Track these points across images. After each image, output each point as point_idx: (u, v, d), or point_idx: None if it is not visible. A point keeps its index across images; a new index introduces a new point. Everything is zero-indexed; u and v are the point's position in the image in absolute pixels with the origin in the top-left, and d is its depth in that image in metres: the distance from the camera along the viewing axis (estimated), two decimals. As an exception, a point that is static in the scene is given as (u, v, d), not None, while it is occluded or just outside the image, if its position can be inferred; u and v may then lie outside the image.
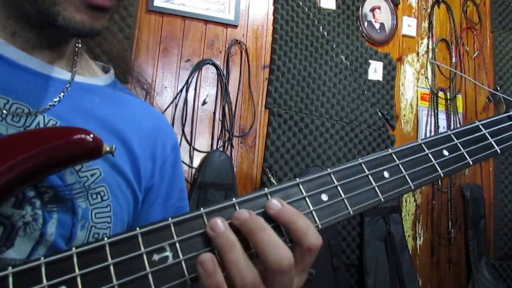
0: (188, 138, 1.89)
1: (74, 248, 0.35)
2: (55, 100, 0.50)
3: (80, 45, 0.58)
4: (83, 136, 0.43)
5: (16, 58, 0.49)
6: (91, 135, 0.43)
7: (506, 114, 0.60)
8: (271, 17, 2.12)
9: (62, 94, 0.51)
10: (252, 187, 1.98)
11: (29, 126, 0.47)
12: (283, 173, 1.99)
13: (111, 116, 0.55)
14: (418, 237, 2.34)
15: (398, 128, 2.36)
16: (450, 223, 2.39)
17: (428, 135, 2.43)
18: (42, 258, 0.34)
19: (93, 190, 0.50)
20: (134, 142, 0.57)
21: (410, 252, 2.21)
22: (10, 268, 0.33)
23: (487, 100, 0.63)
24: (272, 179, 1.92)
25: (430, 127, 2.45)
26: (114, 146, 0.44)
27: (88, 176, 0.50)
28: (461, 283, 2.39)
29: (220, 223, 0.38)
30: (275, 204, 0.41)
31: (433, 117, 2.46)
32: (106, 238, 0.36)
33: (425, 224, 2.37)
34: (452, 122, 2.49)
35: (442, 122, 2.48)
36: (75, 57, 0.57)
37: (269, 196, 0.42)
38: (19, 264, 0.34)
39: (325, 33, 2.20)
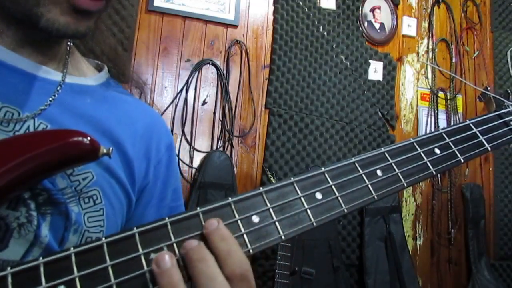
0: (188, 138, 1.90)
1: (72, 248, 0.35)
2: (46, 103, 0.49)
3: (71, 43, 0.56)
4: (79, 138, 0.42)
5: (5, 59, 0.47)
6: (88, 138, 0.42)
7: (496, 113, 0.61)
8: (271, 17, 2.13)
9: (53, 96, 0.50)
10: (252, 187, 1.98)
11: (19, 131, 0.46)
12: (283, 173, 2.00)
13: (103, 117, 0.54)
14: (418, 237, 2.33)
15: (398, 128, 2.36)
16: (450, 223, 2.39)
17: (428, 135, 2.42)
18: (41, 258, 0.34)
19: (85, 194, 0.49)
20: (127, 143, 0.55)
21: (410, 252, 2.21)
22: (9, 268, 0.33)
23: (478, 100, 0.64)
24: (272, 179, 1.92)
25: (430, 127, 2.44)
26: (111, 148, 0.44)
27: (80, 180, 0.49)
28: (461, 283, 2.38)
29: (167, 259, 0.36)
30: (210, 224, 0.39)
31: (433, 117, 2.46)
32: (104, 238, 0.37)
33: (425, 224, 2.36)
34: (452, 122, 2.49)
35: (442, 122, 2.48)
36: (67, 56, 0.55)
37: (264, 195, 0.43)
38: (18, 264, 0.34)
39: (325, 33, 2.20)
